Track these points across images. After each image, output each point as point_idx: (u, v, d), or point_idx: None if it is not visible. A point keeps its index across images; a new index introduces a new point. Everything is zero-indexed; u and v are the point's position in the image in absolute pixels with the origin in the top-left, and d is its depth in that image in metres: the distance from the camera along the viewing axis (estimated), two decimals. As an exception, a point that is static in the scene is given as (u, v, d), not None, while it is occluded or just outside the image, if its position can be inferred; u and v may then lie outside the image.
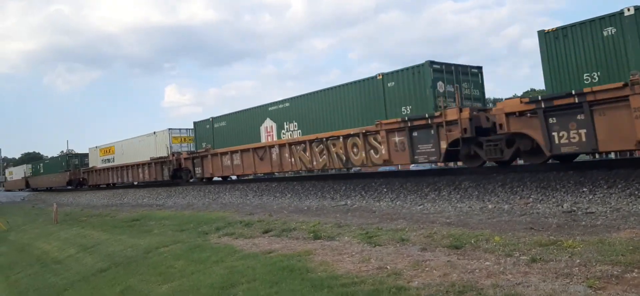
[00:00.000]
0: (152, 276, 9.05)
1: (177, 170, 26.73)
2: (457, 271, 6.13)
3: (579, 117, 10.41)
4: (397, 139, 14.50)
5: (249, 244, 10.01)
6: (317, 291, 6.13)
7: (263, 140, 20.26)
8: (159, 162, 28.15)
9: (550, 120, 10.87)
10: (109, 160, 35.60)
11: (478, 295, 5.23)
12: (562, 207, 9.75)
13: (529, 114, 11.29)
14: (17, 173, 58.55)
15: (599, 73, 10.52)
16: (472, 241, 7.50)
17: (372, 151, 15.38)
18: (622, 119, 9.74)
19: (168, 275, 8.79)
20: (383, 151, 14.84)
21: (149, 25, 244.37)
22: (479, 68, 15.54)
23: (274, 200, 17.45)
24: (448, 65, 14.43)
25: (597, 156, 14.12)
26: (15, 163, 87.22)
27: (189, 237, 12.12)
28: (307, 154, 17.73)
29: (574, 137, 10.57)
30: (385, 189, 14.86)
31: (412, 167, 26.51)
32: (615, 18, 10.29)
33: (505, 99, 14.53)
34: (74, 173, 41.16)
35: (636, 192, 9.49)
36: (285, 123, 19.23)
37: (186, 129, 28.43)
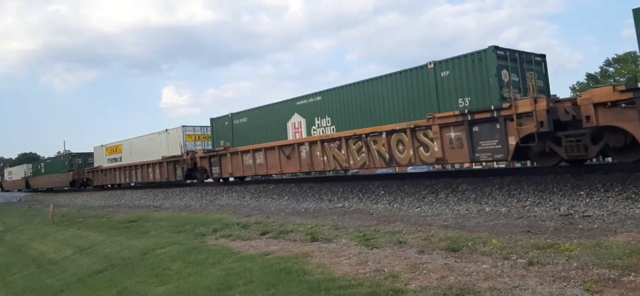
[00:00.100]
0: (148, 278, 9.03)
1: (192, 170, 25.30)
2: (454, 274, 6.13)
3: None
4: (453, 134, 12.98)
5: (246, 246, 9.99)
6: (314, 294, 6.12)
7: (290, 137, 18.69)
8: (172, 161, 26.70)
9: None
10: (115, 159, 34.15)
11: (475, 298, 5.22)
12: (560, 210, 9.76)
13: (623, 105, 9.80)
14: (16, 173, 57.24)
15: None
16: (470, 244, 7.50)
17: (421, 148, 13.83)
18: None
19: (165, 277, 8.76)
20: (435, 148, 13.31)
21: (147, 25, 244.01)
22: (543, 56, 14.06)
23: (271, 202, 17.43)
24: (512, 51, 12.93)
25: (594, 160, 13.50)
26: (12, 163, 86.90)
27: (185, 239, 12.09)
28: (343, 153, 16.23)
29: None
30: (382, 192, 14.85)
31: (410, 169, 26.53)
32: None
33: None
34: (77, 173, 40.03)
35: (633, 195, 9.52)
36: (316, 119, 17.67)
37: (200, 126, 27.16)
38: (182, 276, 8.46)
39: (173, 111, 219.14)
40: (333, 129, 16.98)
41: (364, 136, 15.46)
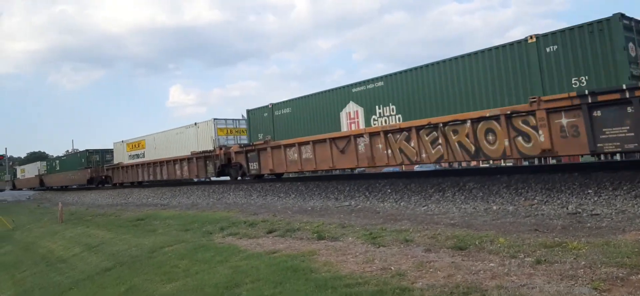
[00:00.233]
0: (156, 276, 9.09)
1: (225, 166, 23.55)
2: (461, 273, 6.12)
3: None
4: (565, 121, 10.99)
5: (253, 244, 10.04)
6: (321, 292, 6.14)
7: (344, 128, 16.80)
8: (202, 157, 24.92)
9: None
10: (138, 156, 32.28)
11: (482, 296, 5.22)
12: (567, 209, 9.71)
13: None
14: (30, 171, 55.85)
15: None
16: (477, 243, 7.49)
17: (520, 138, 11.75)
18: None
19: (172, 275, 8.82)
20: (541, 138, 11.28)
21: (153, 25, 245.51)
22: None
23: (278, 200, 17.47)
24: (637, 21, 10.91)
25: (602, 157, 12.89)
26: (20, 162, 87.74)
27: (193, 237, 12.16)
28: (412, 145, 14.15)
29: None
30: (389, 190, 14.84)
31: (417, 168, 26.50)
32: None
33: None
34: (95, 170, 38.55)
35: (642, 194, 9.44)
36: (376, 107, 15.72)
37: (232, 119, 25.37)
38: (190, 274, 8.51)
39: (180, 110, 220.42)
40: (399, 118, 14.94)
41: (441, 125, 13.34)
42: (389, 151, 14.98)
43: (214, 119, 24.70)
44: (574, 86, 11.07)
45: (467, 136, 12.81)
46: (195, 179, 27.90)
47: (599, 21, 10.66)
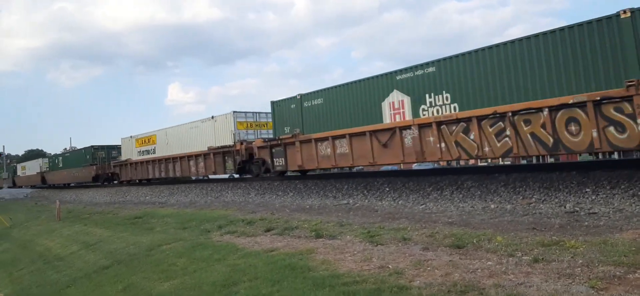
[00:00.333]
0: (154, 274, 9.08)
1: (246, 162, 21.92)
2: (459, 271, 6.13)
3: None
4: None
5: (251, 242, 10.03)
6: (319, 290, 6.14)
7: (387, 120, 15.24)
8: (220, 152, 23.16)
9: None
10: (148, 151, 30.48)
11: (480, 294, 5.23)
12: (565, 207, 9.73)
13: None
14: (31, 168, 53.99)
15: None
16: (474, 241, 7.50)
17: (611, 128, 9.99)
18: None
19: (170, 273, 8.81)
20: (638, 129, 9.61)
21: (153, 23, 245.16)
22: None
23: (276, 199, 17.47)
24: None
25: (600, 156, 12.62)
26: (18, 159, 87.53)
27: (191, 235, 12.15)
28: (472, 138, 12.41)
29: None
30: (387, 189, 14.85)
31: (415, 166, 26.51)
32: None
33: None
34: (101, 167, 36.72)
35: (639, 193, 9.46)
36: (426, 96, 14.21)
37: (253, 112, 23.67)
38: (188, 272, 8.50)
39: (178, 108, 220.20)
40: (455, 107, 13.44)
41: (510, 114, 11.64)
42: (443, 145, 13.14)
43: (234, 111, 23.03)
44: None
45: (542, 126, 11.10)
46: (209, 176, 26.21)
47: None
